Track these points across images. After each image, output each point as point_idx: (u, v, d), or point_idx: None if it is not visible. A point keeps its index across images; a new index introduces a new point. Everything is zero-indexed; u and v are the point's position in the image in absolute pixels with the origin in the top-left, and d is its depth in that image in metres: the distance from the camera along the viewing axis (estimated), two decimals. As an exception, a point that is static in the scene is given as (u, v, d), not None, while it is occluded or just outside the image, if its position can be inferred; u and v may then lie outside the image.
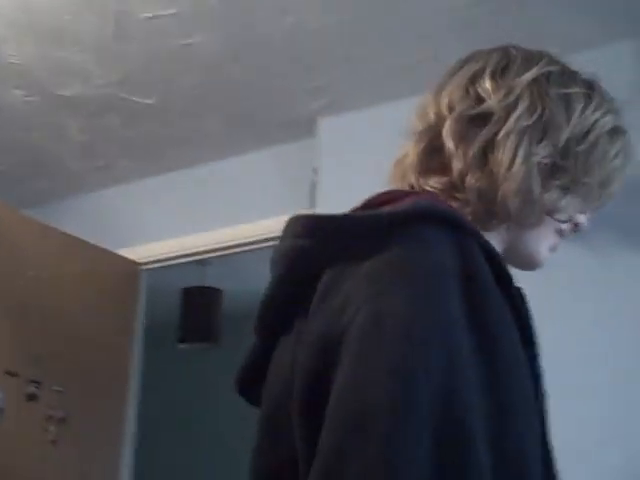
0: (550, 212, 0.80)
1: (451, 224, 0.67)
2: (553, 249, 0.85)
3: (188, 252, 3.02)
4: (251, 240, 2.84)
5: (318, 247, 0.72)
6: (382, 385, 0.58)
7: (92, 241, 2.91)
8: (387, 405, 0.57)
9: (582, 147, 0.79)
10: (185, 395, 5.21)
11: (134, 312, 3.03)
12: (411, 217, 0.68)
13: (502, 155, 0.76)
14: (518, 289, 0.74)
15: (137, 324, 3.05)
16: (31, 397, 2.49)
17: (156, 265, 3.13)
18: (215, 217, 2.96)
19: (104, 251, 2.96)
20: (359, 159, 2.53)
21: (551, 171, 0.78)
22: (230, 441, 4.70)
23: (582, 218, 0.85)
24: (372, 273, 0.65)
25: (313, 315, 0.68)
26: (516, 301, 0.69)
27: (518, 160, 0.76)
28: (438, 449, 0.56)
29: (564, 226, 0.84)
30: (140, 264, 3.09)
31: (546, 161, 0.77)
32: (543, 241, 0.83)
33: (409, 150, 0.84)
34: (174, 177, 3.15)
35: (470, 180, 0.77)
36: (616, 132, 0.82)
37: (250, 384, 0.84)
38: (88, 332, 2.77)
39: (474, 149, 0.77)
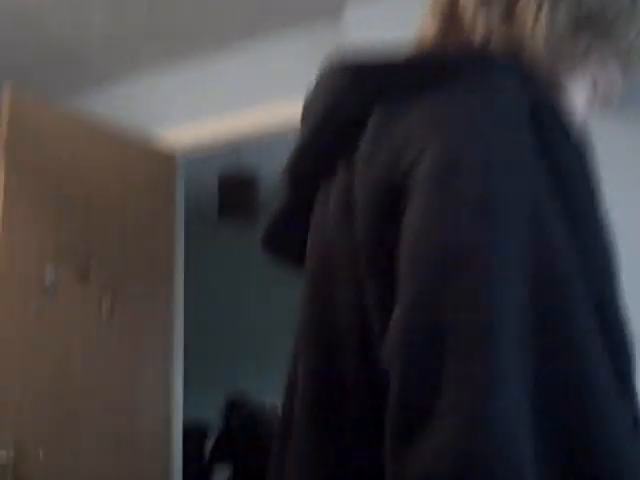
0: (575, 73, 0.77)
1: (515, 70, 0.65)
2: (584, 117, 0.81)
3: (223, 137, 3.00)
4: (286, 122, 2.78)
5: (364, 89, 0.69)
6: (468, 225, 0.54)
7: (125, 132, 2.92)
8: (475, 245, 0.54)
9: (606, 13, 0.75)
10: (226, 279, 5.38)
11: (173, 200, 3.08)
12: (474, 59, 0.65)
13: (527, 14, 0.74)
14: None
15: (177, 211, 3.10)
16: (82, 278, 2.61)
17: (191, 153, 3.12)
18: (249, 100, 2.94)
19: (139, 141, 2.97)
20: (387, 39, 2.49)
21: (575, 31, 0.75)
22: (277, 313, 4.78)
23: (608, 87, 0.81)
24: (436, 114, 0.62)
25: (367, 157, 0.65)
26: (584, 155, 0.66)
27: (543, 18, 0.73)
28: (535, 291, 0.54)
29: (592, 94, 0.80)
30: (175, 152, 3.09)
31: (570, 19, 0.74)
32: (572, 107, 0.79)
33: (427, 29, 0.82)
34: (203, 61, 3.09)
35: (496, 41, 0.75)
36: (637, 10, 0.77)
37: (281, 238, 0.83)
38: (130, 220, 2.85)
39: (496, 11, 0.75)
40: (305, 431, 0.68)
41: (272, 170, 4.15)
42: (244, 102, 2.96)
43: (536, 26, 0.73)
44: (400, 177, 0.60)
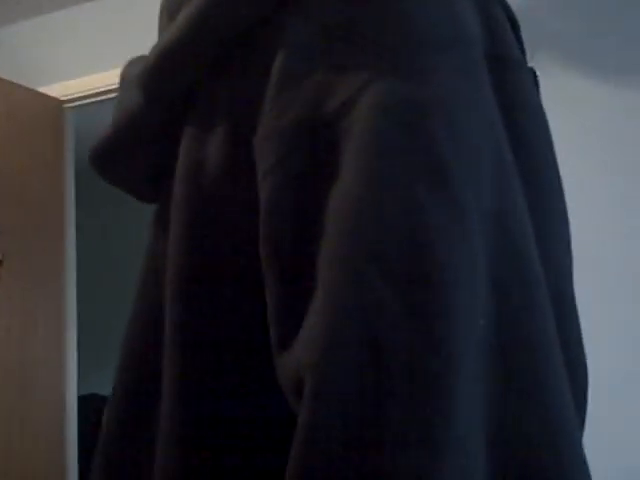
0: None
1: None
2: None
3: (113, 87, 2.88)
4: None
5: None
6: (427, 208, 0.41)
7: (8, 79, 2.73)
8: (435, 242, 0.40)
9: None
10: (118, 232, 5.18)
11: (63, 151, 2.93)
12: None
13: None
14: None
15: (68, 163, 2.96)
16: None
17: (81, 102, 2.99)
18: (139, 49, 2.80)
19: (24, 89, 2.80)
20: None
21: None
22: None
23: None
24: (376, 40, 0.46)
25: (277, 95, 0.47)
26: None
27: None
28: (498, 313, 0.43)
29: None
30: (64, 101, 2.95)
31: None
32: None
33: None
34: (92, 7, 2.94)
35: None
36: None
37: (121, 157, 0.63)
38: (18, 173, 2.68)
39: None
40: (173, 442, 0.50)
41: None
42: (139, 51, 2.78)
43: None
44: (328, 119, 0.44)
